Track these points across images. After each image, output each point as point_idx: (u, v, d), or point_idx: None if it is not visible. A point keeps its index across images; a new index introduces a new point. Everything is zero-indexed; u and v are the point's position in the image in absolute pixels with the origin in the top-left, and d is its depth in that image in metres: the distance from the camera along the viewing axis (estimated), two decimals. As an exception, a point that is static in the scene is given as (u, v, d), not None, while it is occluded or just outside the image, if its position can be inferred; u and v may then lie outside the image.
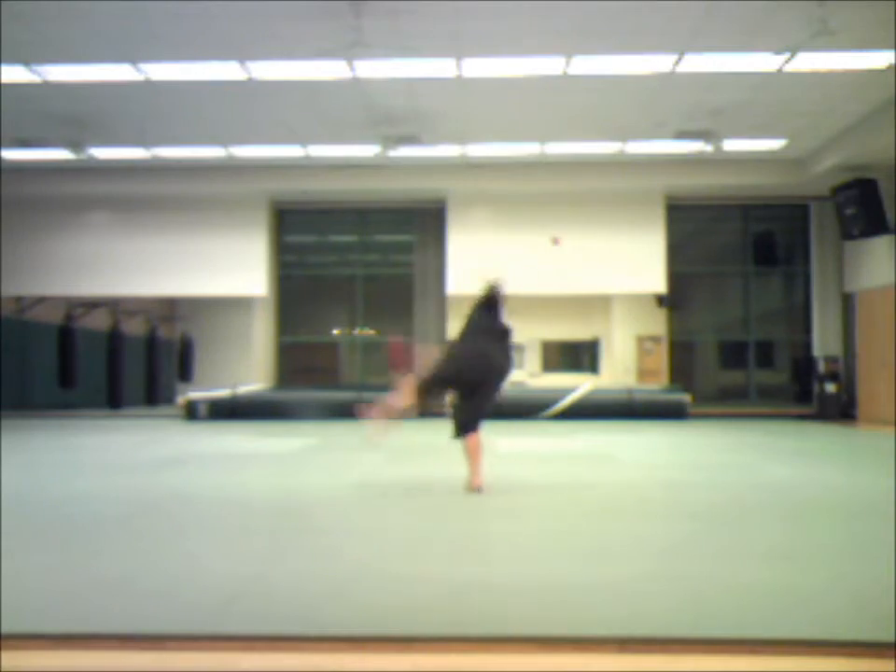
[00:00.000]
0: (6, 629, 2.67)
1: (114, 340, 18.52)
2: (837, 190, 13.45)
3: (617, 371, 18.84)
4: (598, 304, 18.86)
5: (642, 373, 19.49)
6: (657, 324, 17.49)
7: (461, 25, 8.85)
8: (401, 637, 2.63)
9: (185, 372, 18.87)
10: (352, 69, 9.96)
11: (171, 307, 21.46)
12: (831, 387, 13.89)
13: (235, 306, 19.15)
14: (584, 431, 11.51)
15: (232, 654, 2.57)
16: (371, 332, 17.00)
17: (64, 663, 2.52)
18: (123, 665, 2.51)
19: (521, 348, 22.18)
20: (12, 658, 2.50)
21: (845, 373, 14.65)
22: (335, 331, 17.94)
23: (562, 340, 22.46)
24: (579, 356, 22.16)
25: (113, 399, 17.61)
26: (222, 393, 14.50)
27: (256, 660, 2.53)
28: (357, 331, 16.85)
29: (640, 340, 19.15)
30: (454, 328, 15.66)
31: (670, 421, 13.55)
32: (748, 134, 12.52)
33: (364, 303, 16.16)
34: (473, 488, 5.69)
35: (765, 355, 16.38)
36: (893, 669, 2.36)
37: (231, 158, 14.11)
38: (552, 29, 9.07)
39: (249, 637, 2.65)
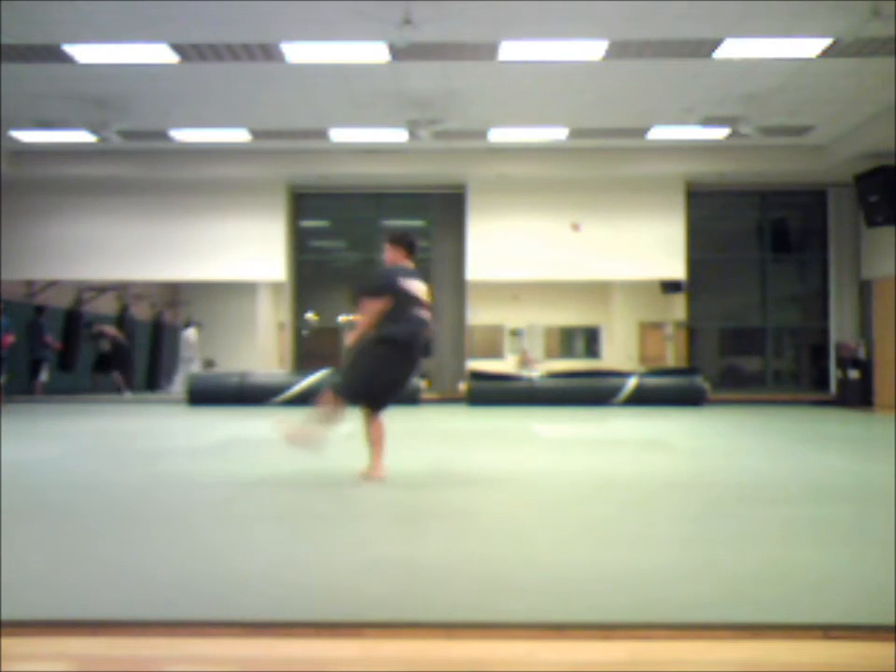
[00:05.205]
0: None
1: (125, 325, 18.41)
2: (860, 178, 13.46)
3: (619, 356, 18.88)
4: (599, 291, 18.81)
5: (645, 359, 19.52)
6: (662, 310, 17.53)
7: (504, 5, 8.75)
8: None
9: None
10: (393, 53, 9.84)
11: (174, 292, 21.26)
12: (854, 374, 13.91)
13: (238, 291, 18.98)
14: (601, 418, 11.47)
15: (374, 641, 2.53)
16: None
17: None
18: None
19: (520, 334, 22.19)
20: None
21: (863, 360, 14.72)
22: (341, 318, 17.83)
23: (564, 326, 22.49)
24: (587, 342, 22.26)
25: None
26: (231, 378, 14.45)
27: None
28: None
29: (653, 326, 19.19)
30: (474, 314, 15.75)
31: (688, 408, 13.29)
32: (776, 121, 12.48)
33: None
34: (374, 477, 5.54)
35: (778, 341, 16.41)
36: None
37: (250, 141, 13.93)
38: (594, 13, 8.99)
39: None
